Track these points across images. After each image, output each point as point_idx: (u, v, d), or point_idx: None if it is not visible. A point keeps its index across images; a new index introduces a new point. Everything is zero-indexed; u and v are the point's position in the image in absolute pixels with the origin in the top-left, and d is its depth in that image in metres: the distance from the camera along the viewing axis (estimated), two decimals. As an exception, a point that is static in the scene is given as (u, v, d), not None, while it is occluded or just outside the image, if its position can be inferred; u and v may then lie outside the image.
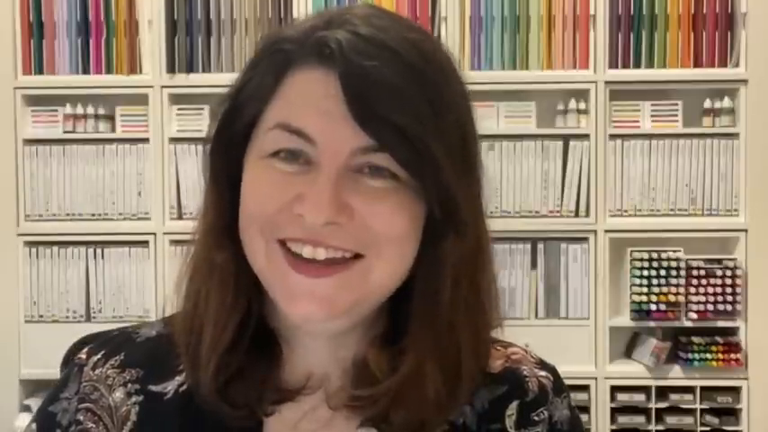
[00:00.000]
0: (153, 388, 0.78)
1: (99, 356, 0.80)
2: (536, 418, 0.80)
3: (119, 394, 0.78)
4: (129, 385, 0.78)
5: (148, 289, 2.58)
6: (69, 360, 0.83)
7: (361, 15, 0.71)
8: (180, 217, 2.58)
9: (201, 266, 0.76)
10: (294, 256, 0.70)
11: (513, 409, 0.79)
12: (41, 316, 2.60)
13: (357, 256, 0.70)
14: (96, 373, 0.79)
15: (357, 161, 0.68)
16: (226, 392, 0.74)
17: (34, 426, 0.80)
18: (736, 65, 2.55)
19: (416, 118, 0.67)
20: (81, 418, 0.78)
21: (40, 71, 2.61)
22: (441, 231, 0.71)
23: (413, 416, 0.73)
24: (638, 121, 2.58)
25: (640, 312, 2.56)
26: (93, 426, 0.77)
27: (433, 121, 0.68)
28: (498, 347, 0.82)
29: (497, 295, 0.77)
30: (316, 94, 0.68)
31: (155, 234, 2.57)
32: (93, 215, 2.60)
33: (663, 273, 2.54)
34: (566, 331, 2.53)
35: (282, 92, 0.71)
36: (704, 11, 2.55)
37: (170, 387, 0.78)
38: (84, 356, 0.81)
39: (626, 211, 2.58)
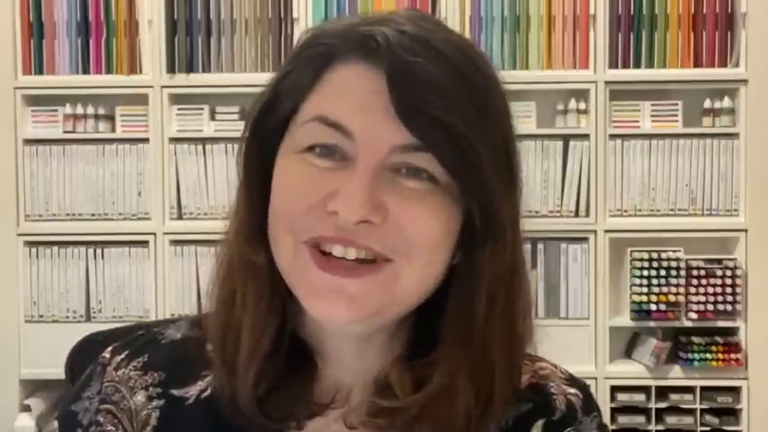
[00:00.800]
0: (175, 392, 0.76)
1: (123, 356, 0.79)
2: None
3: (140, 398, 0.77)
4: (151, 389, 0.77)
5: (148, 289, 2.57)
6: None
7: (406, 16, 0.70)
8: (180, 217, 2.58)
9: (236, 267, 0.73)
10: (323, 254, 0.67)
11: (538, 428, 0.77)
12: (41, 316, 2.60)
13: (386, 261, 0.68)
14: (119, 374, 0.78)
15: (395, 160, 0.67)
16: (264, 404, 0.72)
17: (56, 423, 0.80)
18: (736, 65, 2.55)
19: (462, 118, 0.65)
20: (101, 419, 0.77)
21: (40, 71, 2.60)
22: (478, 240, 0.69)
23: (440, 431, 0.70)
24: (638, 121, 2.58)
25: (640, 312, 2.55)
26: (113, 428, 0.76)
27: (478, 123, 0.67)
28: (526, 362, 0.79)
29: (531, 315, 0.75)
30: (357, 88, 0.67)
31: (155, 234, 2.57)
32: (93, 215, 2.60)
33: (663, 273, 2.54)
34: (566, 331, 2.53)
35: (322, 85, 0.69)
36: (704, 11, 2.55)
37: (192, 392, 0.76)
38: (107, 355, 0.80)
39: (626, 211, 2.58)
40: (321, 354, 0.74)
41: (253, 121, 0.73)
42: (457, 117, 0.65)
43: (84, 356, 1.06)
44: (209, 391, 0.76)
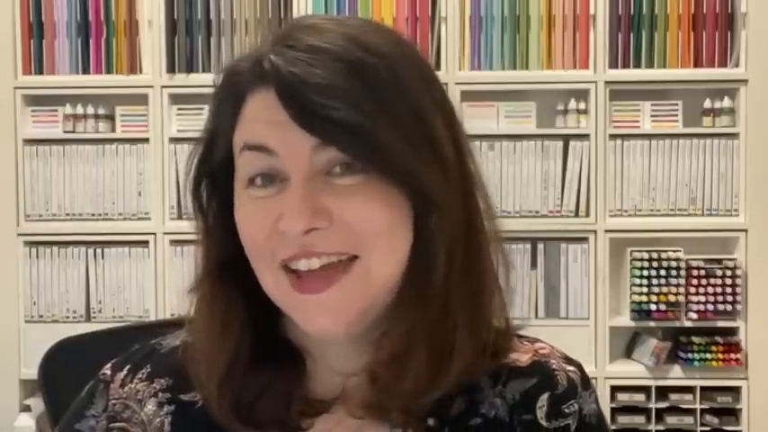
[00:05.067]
0: (183, 397, 0.79)
1: (125, 372, 0.81)
2: (567, 411, 0.80)
3: (150, 406, 0.79)
4: (160, 395, 0.79)
5: (148, 289, 2.58)
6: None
7: (307, 24, 0.73)
8: (180, 217, 2.58)
9: (201, 306, 0.77)
10: (296, 274, 0.70)
11: (543, 400, 0.79)
12: (41, 316, 2.60)
13: (352, 259, 0.70)
14: (126, 390, 0.80)
15: (320, 160, 0.69)
16: (249, 414, 0.74)
17: None
18: (736, 65, 2.55)
19: (356, 109, 0.68)
20: None
21: (40, 71, 2.61)
22: (424, 211, 0.72)
23: (397, 392, 0.73)
24: (638, 121, 2.58)
25: (640, 312, 2.56)
26: None
27: (373, 108, 0.68)
28: (525, 342, 0.83)
29: (507, 273, 0.78)
30: (265, 110, 0.70)
31: (155, 234, 2.57)
32: (93, 215, 2.60)
33: (663, 273, 2.54)
34: (566, 331, 2.53)
35: (242, 118, 0.73)
36: (704, 11, 2.55)
37: (200, 396, 0.78)
38: (108, 372, 0.82)
39: (626, 211, 2.58)
40: (312, 353, 0.77)
41: (198, 163, 0.77)
42: (349, 110, 0.67)
43: (58, 362, 1.07)
44: None
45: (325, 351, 0.76)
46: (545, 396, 0.80)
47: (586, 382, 0.83)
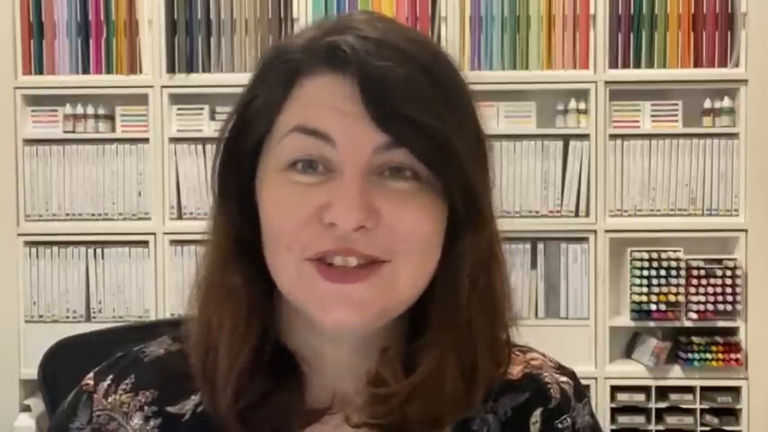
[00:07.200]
0: (170, 409, 0.76)
1: (108, 382, 0.78)
2: (560, 426, 0.80)
3: (137, 420, 0.76)
4: (146, 408, 0.76)
5: (148, 289, 2.58)
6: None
7: (364, 20, 0.71)
8: (180, 217, 2.58)
9: (214, 290, 0.74)
10: (325, 264, 0.68)
11: (536, 416, 0.79)
12: (41, 316, 2.60)
13: (384, 262, 0.69)
14: (109, 401, 0.77)
15: (378, 160, 0.68)
16: (249, 420, 0.72)
17: None
18: (736, 65, 2.55)
19: (435, 114, 0.67)
20: None
21: (40, 71, 2.61)
22: (462, 229, 0.71)
23: (430, 411, 0.72)
24: (638, 121, 2.58)
25: (640, 312, 2.56)
26: None
27: (450, 117, 0.68)
28: (517, 352, 0.81)
29: (510, 294, 0.77)
30: (332, 96, 0.68)
31: (155, 234, 2.57)
32: (93, 215, 2.60)
33: (663, 273, 2.54)
34: (566, 331, 2.53)
35: (294, 100, 0.70)
36: (704, 11, 2.55)
37: (187, 408, 0.76)
38: (91, 382, 0.78)
39: (626, 211, 2.58)
40: (310, 362, 0.75)
41: (227, 142, 0.73)
42: (430, 114, 0.67)
43: (58, 362, 1.07)
44: (203, 407, 0.75)
45: (323, 356, 0.75)
46: (538, 412, 0.79)
47: (580, 392, 0.83)
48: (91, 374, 0.79)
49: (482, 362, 0.74)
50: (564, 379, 0.82)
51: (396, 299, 0.70)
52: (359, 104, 0.66)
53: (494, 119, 2.54)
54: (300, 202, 0.68)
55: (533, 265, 2.57)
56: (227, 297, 0.73)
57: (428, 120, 0.66)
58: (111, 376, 0.78)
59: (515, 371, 0.80)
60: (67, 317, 2.59)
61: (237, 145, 0.73)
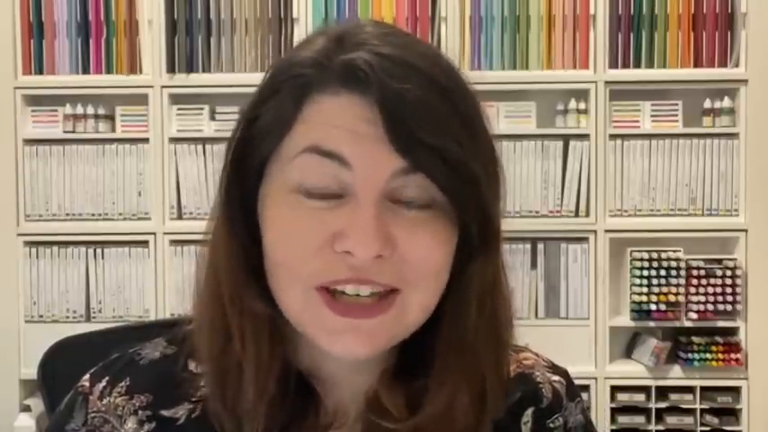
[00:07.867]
0: (165, 413, 0.75)
1: (104, 384, 0.77)
2: (551, 425, 0.80)
3: (131, 424, 0.75)
4: (141, 412, 0.75)
5: (148, 289, 2.58)
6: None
7: (375, 34, 0.68)
8: (180, 217, 2.58)
9: (231, 311, 0.70)
10: (333, 295, 0.66)
11: (528, 416, 0.79)
12: (41, 316, 2.60)
13: (394, 291, 0.67)
14: (104, 403, 0.76)
15: (394, 185, 0.65)
16: None
17: None
18: (736, 65, 2.55)
19: (453, 138, 0.65)
20: None
21: (40, 71, 2.60)
22: (472, 255, 0.69)
23: None
24: (638, 121, 2.58)
25: (640, 312, 2.55)
26: None
27: (467, 141, 0.66)
28: (510, 352, 0.80)
29: (514, 320, 0.75)
30: (348, 117, 0.65)
31: (155, 234, 2.57)
32: (93, 215, 2.60)
33: (663, 273, 2.54)
34: (566, 331, 2.53)
35: (306, 118, 0.66)
36: (704, 11, 2.55)
37: (182, 412, 0.75)
38: (87, 384, 0.78)
39: (626, 211, 2.58)
40: (319, 379, 0.74)
41: (233, 158, 0.70)
42: (448, 138, 0.65)
43: (58, 362, 1.07)
44: (198, 412, 0.75)
45: (328, 376, 0.74)
46: (529, 411, 0.79)
47: (572, 391, 0.82)
48: (87, 376, 0.79)
49: (490, 386, 0.72)
50: (556, 378, 0.81)
51: (405, 325, 0.69)
52: (377, 127, 0.63)
53: (494, 119, 2.52)
54: (311, 227, 0.65)
55: (533, 265, 2.57)
56: (248, 321, 0.70)
57: (447, 144, 0.64)
58: (106, 378, 0.77)
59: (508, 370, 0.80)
60: (67, 317, 2.59)
61: (244, 161, 0.70)
